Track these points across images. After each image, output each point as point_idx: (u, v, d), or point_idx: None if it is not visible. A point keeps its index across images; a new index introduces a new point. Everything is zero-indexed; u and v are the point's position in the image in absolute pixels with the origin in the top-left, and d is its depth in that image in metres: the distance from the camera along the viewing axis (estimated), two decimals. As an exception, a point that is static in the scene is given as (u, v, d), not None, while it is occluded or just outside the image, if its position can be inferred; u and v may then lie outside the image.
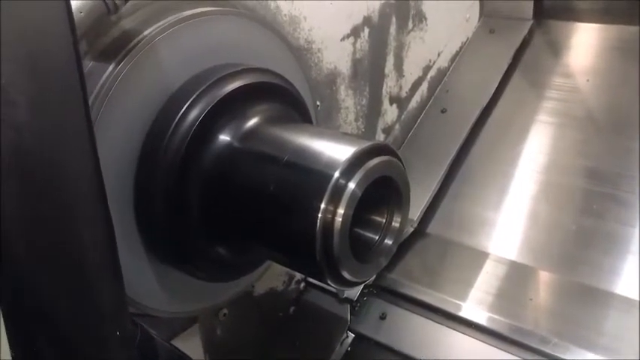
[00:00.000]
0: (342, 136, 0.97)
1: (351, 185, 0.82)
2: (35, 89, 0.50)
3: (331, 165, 0.83)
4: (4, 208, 0.53)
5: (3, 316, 0.58)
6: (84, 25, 0.75)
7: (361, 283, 0.92)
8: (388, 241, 0.94)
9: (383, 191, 0.91)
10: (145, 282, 1.00)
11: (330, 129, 1.21)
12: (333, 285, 0.87)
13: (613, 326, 1.24)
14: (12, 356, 0.60)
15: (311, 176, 0.84)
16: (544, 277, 1.37)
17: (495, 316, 1.30)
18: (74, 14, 0.71)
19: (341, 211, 0.81)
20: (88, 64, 0.90)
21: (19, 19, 0.48)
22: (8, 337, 0.59)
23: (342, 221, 0.81)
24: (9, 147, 0.52)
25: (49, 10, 0.50)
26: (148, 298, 1.00)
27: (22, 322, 0.59)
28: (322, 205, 0.80)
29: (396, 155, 0.90)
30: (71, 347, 0.58)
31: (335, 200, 0.81)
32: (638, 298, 1.26)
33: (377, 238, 0.94)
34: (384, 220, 0.94)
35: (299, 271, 1.02)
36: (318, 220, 0.80)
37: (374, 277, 1.39)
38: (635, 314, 1.23)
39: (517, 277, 1.38)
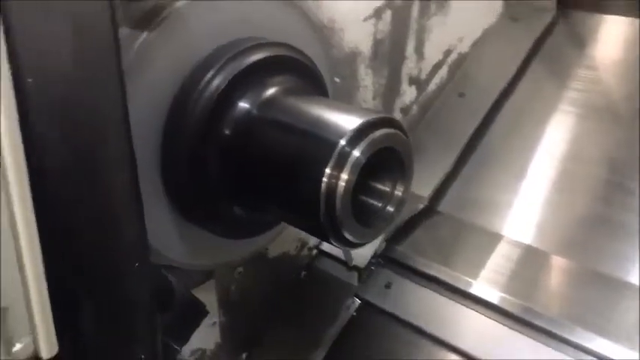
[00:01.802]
0: (351, 108, 1.04)
1: (356, 153, 0.89)
2: (77, 44, 0.59)
3: (338, 133, 0.90)
4: (50, 151, 0.63)
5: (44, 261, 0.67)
6: (121, -7, 0.83)
7: (362, 245, 0.99)
8: (390, 209, 1.01)
9: (388, 162, 0.98)
10: (168, 235, 1.08)
11: (342, 102, 1.28)
12: (335, 244, 0.95)
13: (623, 313, 1.28)
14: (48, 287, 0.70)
15: (319, 143, 0.91)
16: (557, 262, 1.42)
17: (506, 296, 1.35)
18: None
19: (345, 176, 0.88)
20: (124, 32, 0.99)
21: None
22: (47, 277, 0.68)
23: (345, 186, 0.88)
24: (54, 94, 0.61)
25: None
26: (169, 250, 1.09)
27: (58, 256, 0.68)
28: (327, 170, 0.88)
29: (401, 129, 0.97)
30: (96, 274, 0.67)
31: (339, 166, 0.88)
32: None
33: (380, 205, 1.01)
34: (388, 190, 1.01)
35: (306, 231, 1.09)
36: (323, 184, 0.88)
37: (383, 247, 1.47)
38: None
39: (530, 260, 1.43)
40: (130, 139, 0.66)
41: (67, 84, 0.60)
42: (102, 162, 0.65)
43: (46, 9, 0.57)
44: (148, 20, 0.97)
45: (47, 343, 0.68)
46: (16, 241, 0.66)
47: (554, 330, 1.27)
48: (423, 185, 1.55)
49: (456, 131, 1.65)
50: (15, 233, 0.65)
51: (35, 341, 0.68)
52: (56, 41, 0.58)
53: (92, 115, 0.63)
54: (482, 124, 1.65)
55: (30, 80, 0.60)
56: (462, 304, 1.37)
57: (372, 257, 1.46)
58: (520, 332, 1.29)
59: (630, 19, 1.73)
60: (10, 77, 0.59)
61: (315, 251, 1.50)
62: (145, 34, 0.96)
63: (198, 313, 1.05)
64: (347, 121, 0.92)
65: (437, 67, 1.66)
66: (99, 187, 0.66)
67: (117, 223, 0.68)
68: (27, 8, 0.57)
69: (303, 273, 1.50)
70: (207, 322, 1.21)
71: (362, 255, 1.44)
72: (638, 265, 1.34)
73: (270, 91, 1.03)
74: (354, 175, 0.89)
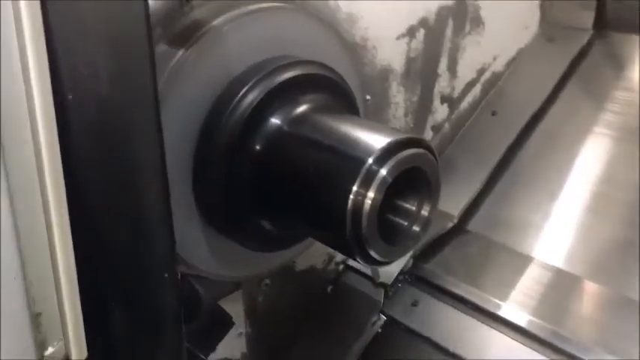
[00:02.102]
0: (380, 127, 1.05)
1: (383, 172, 0.90)
2: (115, 67, 0.62)
3: (366, 151, 0.91)
4: (87, 164, 0.66)
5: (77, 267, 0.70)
6: (159, 13, 0.86)
7: (388, 264, 1.00)
8: (416, 228, 1.01)
9: (415, 181, 0.99)
10: (197, 246, 1.11)
11: (372, 121, 1.29)
12: (361, 262, 0.96)
13: None
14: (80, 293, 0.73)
15: (347, 161, 0.93)
16: (588, 286, 1.39)
17: (535, 319, 1.32)
18: (151, 3, 0.83)
19: (371, 194, 0.90)
20: (162, 48, 1.02)
21: (104, 8, 0.60)
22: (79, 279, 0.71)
23: (372, 204, 0.90)
24: (92, 111, 0.64)
25: (130, 5, 0.62)
26: (198, 261, 1.12)
27: (91, 265, 0.71)
28: (354, 188, 0.89)
29: (429, 149, 0.98)
30: (126, 283, 0.70)
31: (366, 184, 0.90)
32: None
33: (406, 224, 1.02)
34: (414, 209, 1.02)
35: (332, 248, 1.11)
36: (350, 202, 0.89)
37: (410, 265, 1.47)
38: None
39: (560, 284, 1.40)
40: (163, 155, 0.69)
41: (104, 101, 0.63)
42: (135, 176, 0.68)
43: (86, 31, 0.60)
44: (185, 37, 1.00)
45: (77, 347, 0.71)
46: (52, 250, 0.69)
47: (583, 356, 1.24)
48: (453, 203, 1.55)
49: (488, 150, 1.64)
50: (51, 242, 0.69)
51: (66, 345, 0.71)
52: (95, 60, 0.61)
53: (127, 131, 0.66)
54: (514, 144, 1.64)
55: (70, 97, 0.63)
56: (490, 326, 1.35)
57: (399, 274, 1.46)
58: (548, 357, 1.27)
59: (670, 41, 1.70)
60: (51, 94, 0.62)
61: (342, 266, 1.51)
62: (181, 51, 1.00)
63: (224, 323, 1.07)
64: (375, 140, 0.94)
65: (470, 85, 1.66)
66: (132, 200, 0.68)
67: (148, 234, 0.71)
68: (68, 29, 0.60)
69: (330, 287, 1.50)
70: (233, 332, 1.23)
71: (388, 271, 1.44)
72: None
73: (301, 108, 1.05)
74: (381, 194, 0.90)
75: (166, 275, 0.70)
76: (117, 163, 0.67)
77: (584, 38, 1.75)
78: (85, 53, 0.61)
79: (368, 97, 1.37)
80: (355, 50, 1.31)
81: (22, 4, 0.57)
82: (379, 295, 1.45)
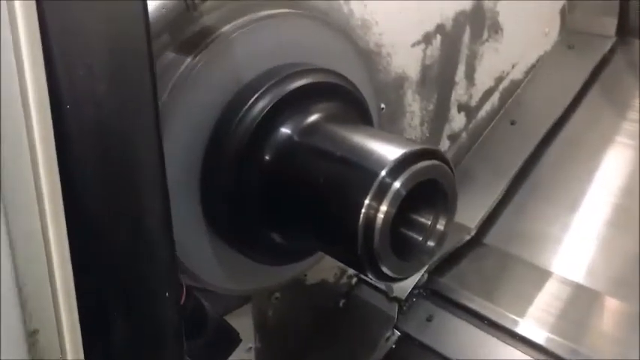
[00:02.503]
0: (394, 138, 1.02)
1: (396, 185, 0.86)
2: (113, 68, 0.59)
3: (379, 164, 0.88)
4: (85, 176, 0.64)
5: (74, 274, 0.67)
6: (165, 19, 0.84)
7: (401, 280, 0.96)
8: (431, 243, 0.97)
9: (430, 194, 0.95)
10: (206, 259, 1.08)
11: (385, 131, 1.25)
12: (373, 278, 0.92)
13: None
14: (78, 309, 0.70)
15: (359, 173, 0.89)
16: (609, 302, 1.35)
17: (553, 337, 1.28)
18: (158, 10, 0.81)
19: (384, 208, 0.86)
20: (170, 55, 1.00)
21: (101, 8, 0.57)
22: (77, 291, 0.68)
23: (384, 218, 0.86)
24: (91, 121, 0.62)
25: (128, 6, 0.59)
26: (207, 274, 1.09)
27: (89, 281, 0.68)
28: (366, 201, 0.85)
29: (445, 161, 0.94)
30: (126, 301, 0.67)
31: (379, 197, 0.86)
32: None
33: (421, 239, 0.97)
34: (429, 223, 0.97)
35: (344, 263, 1.07)
36: (361, 216, 0.85)
37: (425, 278, 1.43)
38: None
39: (580, 300, 1.35)
40: (163, 167, 0.66)
41: (102, 112, 0.60)
42: (135, 187, 0.65)
43: (84, 39, 0.58)
44: (194, 44, 0.98)
45: (76, 365, 0.68)
46: (49, 265, 0.66)
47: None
48: (470, 216, 1.51)
49: (506, 160, 1.60)
50: (48, 255, 0.66)
51: (65, 363, 0.68)
52: (93, 70, 0.58)
53: (126, 141, 0.63)
54: (533, 154, 1.60)
55: (68, 107, 0.60)
56: (507, 343, 1.31)
57: (414, 288, 1.42)
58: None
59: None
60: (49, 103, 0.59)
61: (354, 279, 1.47)
62: (189, 58, 0.97)
63: (231, 339, 1.04)
64: (388, 151, 0.90)
65: (488, 93, 1.62)
66: (132, 213, 0.65)
67: (149, 250, 0.68)
68: (66, 37, 0.58)
69: (342, 301, 1.47)
70: (242, 346, 1.20)
71: (403, 286, 1.40)
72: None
73: (312, 117, 1.02)
74: (394, 208, 0.87)
75: (167, 293, 0.67)
76: (116, 175, 0.64)
77: (607, 45, 1.71)
78: (82, 54, 0.59)
79: (382, 105, 1.33)
80: (369, 57, 1.28)
81: (17, 4, 0.55)
82: (393, 310, 1.41)
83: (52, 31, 0.57)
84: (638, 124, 1.61)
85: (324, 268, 1.38)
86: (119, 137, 0.64)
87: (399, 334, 1.39)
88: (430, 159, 0.91)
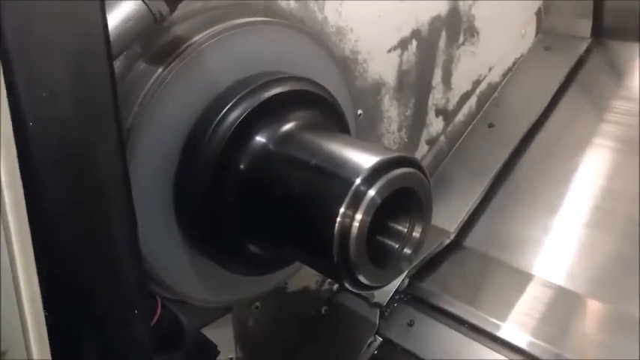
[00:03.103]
0: (369, 146, 1.01)
1: (371, 193, 0.86)
2: (75, 90, 0.58)
3: (354, 172, 0.87)
4: (50, 193, 0.62)
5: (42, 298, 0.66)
6: (133, 31, 0.82)
7: (378, 288, 0.96)
8: (407, 250, 0.97)
9: (405, 202, 0.95)
10: (182, 270, 1.07)
11: (361, 139, 1.25)
12: (350, 287, 0.92)
13: None
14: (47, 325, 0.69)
15: (334, 181, 0.89)
16: (590, 305, 1.34)
17: (535, 340, 1.28)
18: (124, 24, 0.80)
19: (359, 216, 0.85)
20: (142, 66, 0.99)
21: (65, 34, 0.57)
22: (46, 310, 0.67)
23: (360, 227, 0.85)
24: (54, 138, 0.61)
25: (87, 27, 0.59)
26: (183, 286, 1.08)
27: (57, 302, 0.67)
28: (341, 210, 0.85)
29: (420, 168, 0.94)
30: (96, 319, 0.66)
31: (354, 206, 0.85)
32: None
33: (397, 246, 0.97)
34: (406, 230, 0.97)
35: (320, 272, 1.07)
36: (337, 224, 0.85)
37: (406, 283, 1.43)
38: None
39: (561, 302, 1.35)
40: (128, 183, 0.65)
41: (65, 127, 0.59)
42: (99, 205, 0.64)
43: (44, 52, 0.57)
44: (165, 55, 0.97)
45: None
46: (16, 285, 0.65)
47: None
48: (449, 219, 1.51)
49: (485, 163, 1.60)
50: (15, 277, 0.65)
51: (34, 386, 0.67)
52: (54, 84, 0.57)
53: (89, 157, 0.62)
54: (512, 156, 1.60)
55: (31, 124, 0.59)
56: (489, 347, 1.31)
57: (395, 293, 1.41)
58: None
59: (669, 48, 1.66)
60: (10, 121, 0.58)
61: (336, 286, 1.46)
62: (160, 69, 0.96)
63: (209, 352, 1.03)
64: (363, 160, 0.90)
65: (465, 97, 1.62)
66: (97, 233, 0.64)
67: (116, 269, 0.67)
68: (26, 51, 0.57)
69: (324, 308, 1.46)
70: (223, 357, 1.19)
71: (383, 291, 1.39)
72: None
73: (287, 126, 1.01)
74: (369, 216, 0.86)
75: (136, 310, 0.66)
76: (81, 192, 0.63)
77: (583, 46, 1.72)
78: (44, 75, 0.58)
79: (360, 111, 1.33)
80: (345, 64, 1.27)
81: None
82: (375, 316, 1.40)
83: (13, 51, 0.56)
84: (614, 125, 1.62)
85: (306, 275, 1.38)
86: (82, 157, 0.63)
87: (381, 339, 1.38)
88: (405, 167, 0.91)
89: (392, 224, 0.98)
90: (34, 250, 0.64)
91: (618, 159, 1.56)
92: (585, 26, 1.72)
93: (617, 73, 1.71)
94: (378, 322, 1.39)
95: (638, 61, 1.71)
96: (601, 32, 1.73)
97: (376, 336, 1.39)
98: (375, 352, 1.38)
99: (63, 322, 0.68)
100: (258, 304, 1.30)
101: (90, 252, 0.65)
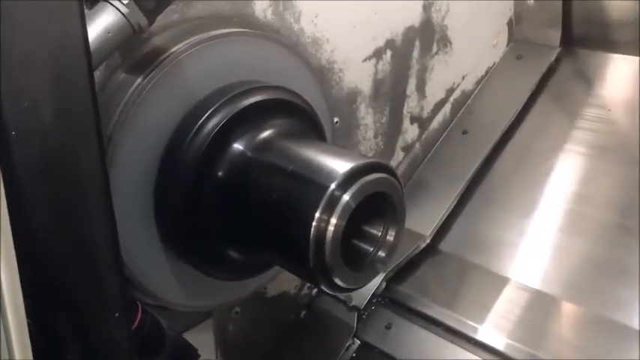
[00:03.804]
0: (344, 152, 1.04)
1: (346, 197, 0.89)
2: (56, 101, 0.60)
3: (329, 177, 0.90)
4: (31, 203, 0.64)
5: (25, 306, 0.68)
6: (112, 42, 0.85)
7: (354, 290, 0.99)
8: (382, 253, 1.00)
9: (379, 206, 0.98)
10: (162, 276, 1.09)
11: (336, 146, 1.28)
12: (326, 290, 0.95)
13: None
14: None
15: (310, 187, 0.92)
16: (565, 307, 1.37)
17: (512, 342, 1.30)
18: (103, 35, 0.82)
19: (334, 220, 0.88)
20: (121, 76, 1.01)
21: (46, 45, 0.59)
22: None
23: (335, 231, 0.88)
24: (36, 147, 0.63)
25: (68, 38, 0.61)
26: (163, 291, 1.09)
27: (40, 306, 0.68)
28: (317, 215, 0.88)
29: (393, 174, 0.97)
30: (77, 322, 0.68)
31: (329, 210, 0.88)
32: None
33: (372, 249, 1.00)
34: (380, 234, 1.00)
35: (298, 276, 1.09)
36: (312, 229, 0.88)
37: (383, 287, 1.45)
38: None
39: (537, 305, 1.38)
40: (108, 191, 0.67)
41: (47, 136, 0.61)
42: (81, 212, 0.66)
43: (26, 62, 0.59)
44: (144, 65, 0.99)
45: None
46: (-2, 291, 0.66)
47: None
48: (425, 223, 1.54)
49: (459, 168, 1.63)
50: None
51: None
52: (36, 94, 0.60)
53: (71, 165, 0.64)
54: (485, 162, 1.63)
55: (13, 134, 0.61)
56: (465, 349, 1.33)
57: (372, 297, 1.44)
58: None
59: (635, 57, 1.71)
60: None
61: (315, 290, 1.49)
62: (140, 78, 0.98)
63: (189, 356, 1.04)
64: (338, 165, 0.92)
65: (439, 105, 1.66)
66: (78, 239, 0.66)
67: (98, 275, 0.69)
68: (8, 62, 0.59)
69: (303, 312, 1.48)
70: (203, 362, 1.20)
71: (361, 295, 1.42)
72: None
73: (265, 134, 1.04)
74: (344, 220, 0.89)
75: (117, 313, 0.68)
76: (63, 200, 0.65)
77: (552, 55, 1.76)
78: (26, 86, 0.60)
79: (336, 119, 1.36)
80: (322, 73, 1.30)
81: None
82: (353, 319, 1.42)
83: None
84: (584, 131, 1.66)
85: (285, 280, 1.40)
86: (64, 165, 0.65)
87: (359, 342, 1.41)
88: (378, 172, 0.94)
89: (366, 228, 1.01)
90: (17, 257, 0.65)
91: (589, 164, 1.60)
92: (555, 36, 1.77)
93: (587, 81, 1.76)
94: (356, 326, 1.42)
95: (606, 69, 1.77)
96: (570, 41, 1.78)
97: (354, 339, 1.41)
98: (354, 354, 1.40)
99: (45, 327, 0.69)
100: (237, 309, 1.32)
101: (72, 259, 0.67)
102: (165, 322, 0.99)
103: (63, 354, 0.71)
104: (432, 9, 1.53)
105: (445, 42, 1.59)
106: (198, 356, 1.06)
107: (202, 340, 1.26)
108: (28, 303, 0.67)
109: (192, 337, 1.16)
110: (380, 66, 1.43)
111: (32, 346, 0.68)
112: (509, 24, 1.81)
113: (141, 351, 0.94)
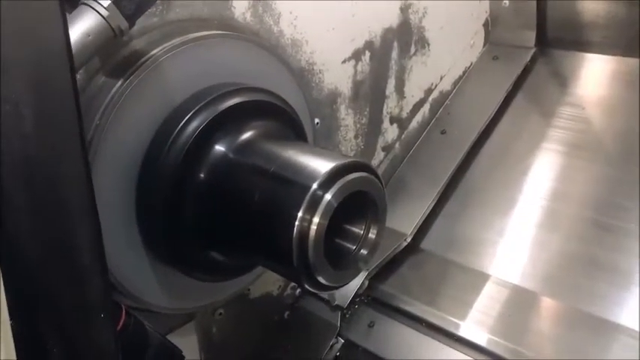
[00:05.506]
0: (325, 152, 1.05)
1: (328, 197, 0.90)
2: (38, 104, 0.60)
3: (311, 177, 0.91)
4: (14, 207, 0.64)
5: (8, 308, 0.68)
6: (93, 46, 0.85)
7: (338, 288, 1.00)
8: (364, 251, 1.01)
9: (361, 205, 0.99)
10: (145, 279, 1.09)
11: (317, 147, 1.29)
12: (310, 288, 0.95)
13: (613, 356, 1.24)
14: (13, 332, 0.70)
15: (292, 187, 0.93)
16: (545, 302, 1.40)
17: (493, 337, 1.32)
18: (83, 38, 0.82)
19: (316, 220, 0.89)
20: (101, 79, 1.01)
21: (27, 48, 0.59)
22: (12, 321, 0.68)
23: (317, 230, 0.89)
24: (19, 153, 0.63)
25: (50, 41, 0.61)
26: (147, 294, 1.09)
27: (24, 308, 0.68)
28: (299, 214, 0.89)
29: (374, 173, 0.98)
30: (63, 324, 0.68)
31: (311, 210, 0.89)
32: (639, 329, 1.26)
33: (354, 247, 1.01)
34: (362, 232, 1.01)
35: (281, 275, 1.10)
36: (295, 228, 0.88)
37: (365, 286, 1.47)
38: (635, 346, 1.24)
39: (517, 301, 1.40)
40: (92, 194, 0.67)
41: (29, 140, 0.61)
42: (65, 217, 0.66)
43: (7, 65, 0.59)
44: (124, 68, 0.99)
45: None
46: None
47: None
48: (406, 222, 1.56)
49: (438, 168, 1.66)
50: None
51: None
52: (17, 98, 0.60)
53: (53, 169, 0.64)
54: (464, 161, 1.66)
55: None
56: (448, 345, 1.35)
57: (355, 296, 1.45)
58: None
59: (608, 56, 1.75)
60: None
61: (298, 290, 1.50)
62: (120, 82, 0.98)
63: (174, 358, 1.04)
64: (319, 165, 0.93)
65: (418, 105, 1.68)
66: (62, 241, 0.66)
67: (82, 277, 0.69)
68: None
69: (287, 313, 1.49)
70: (188, 363, 1.20)
71: (344, 294, 1.43)
72: (625, 306, 1.32)
73: (245, 135, 1.04)
74: (326, 219, 0.90)
75: (102, 314, 0.68)
76: (46, 207, 0.65)
77: (528, 56, 1.80)
78: (7, 89, 0.60)
79: (317, 120, 1.37)
80: (302, 75, 1.31)
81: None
82: (336, 319, 1.44)
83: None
84: (560, 130, 1.70)
85: (268, 281, 1.40)
86: (46, 169, 0.65)
87: (343, 341, 1.42)
88: (359, 171, 0.95)
89: (348, 227, 1.02)
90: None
91: (565, 162, 1.63)
92: (530, 37, 1.81)
93: (561, 81, 1.80)
94: (339, 325, 1.43)
95: (580, 69, 1.81)
96: (545, 42, 1.82)
97: (338, 338, 1.42)
98: (338, 353, 1.41)
99: (29, 331, 0.69)
100: (221, 310, 1.32)
101: (56, 260, 0.67)
102: (149, 324, 0.99)
103: (48, 356, 0.71)
104: (410, 10, 1.55)
105: (423, 43, 1.61)
106: (183, 358, 1.06)
107: (186, 342, 1.26)
108: (12, 304, 0.67)
109: (177, 339, 1.16)
110: (359, 67, 1.45)
111: (16, 347, 0.68)
112: (485, 26, 1.85)
113: (125, 353, 0.93)
